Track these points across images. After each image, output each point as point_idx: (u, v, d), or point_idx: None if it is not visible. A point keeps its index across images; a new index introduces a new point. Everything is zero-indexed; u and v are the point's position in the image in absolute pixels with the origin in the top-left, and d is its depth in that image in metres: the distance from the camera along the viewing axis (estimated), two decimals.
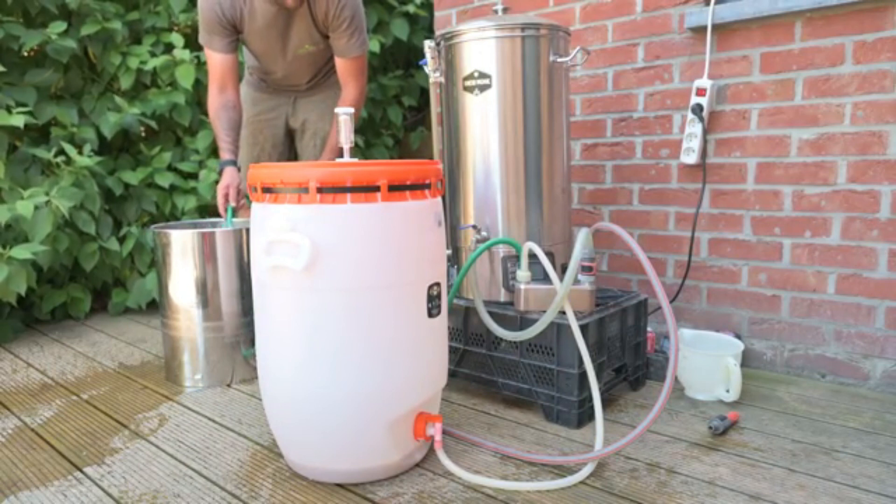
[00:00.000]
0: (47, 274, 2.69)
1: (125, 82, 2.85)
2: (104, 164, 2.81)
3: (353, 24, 2.15)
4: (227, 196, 2.19)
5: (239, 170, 2.25)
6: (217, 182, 2.91)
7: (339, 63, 2.25)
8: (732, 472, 1.44)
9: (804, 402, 1.85)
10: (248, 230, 1.97)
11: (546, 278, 1.60)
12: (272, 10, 2.11)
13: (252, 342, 2.01)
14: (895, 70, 1.83)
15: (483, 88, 1.80)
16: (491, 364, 1.84)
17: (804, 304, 2.04)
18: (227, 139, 2.24)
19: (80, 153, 2.60)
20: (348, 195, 1.28)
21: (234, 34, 2.22)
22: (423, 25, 3.54)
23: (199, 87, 2.92)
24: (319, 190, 1.27)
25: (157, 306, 2.31)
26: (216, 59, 2.23)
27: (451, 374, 1.91)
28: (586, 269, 1.58)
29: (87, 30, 2.72)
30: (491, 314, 1.74)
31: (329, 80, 2.41)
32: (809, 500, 1.33)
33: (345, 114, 1.42)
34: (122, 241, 2.80)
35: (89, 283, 2.86)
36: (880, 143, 1.87)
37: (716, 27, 2.08)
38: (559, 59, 1.81)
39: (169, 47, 2.96)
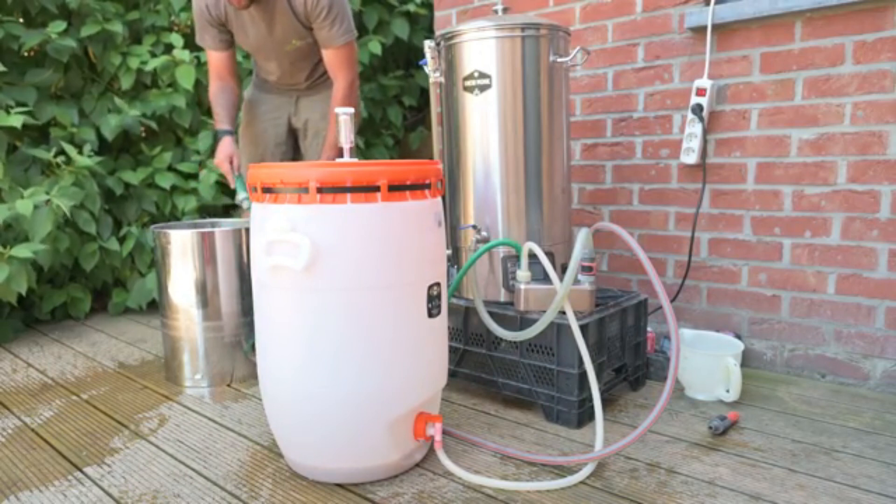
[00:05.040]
0: (47, 274, 2.69)
1: (125, 82, 2.85)
2: (104, 164, 2.81)
3: (332, 12, 2.14)
4: (232, 164, 2.26)
5: (236, 141, 2.33)
6: (221, 181, 2.93)
7: (325, 55, 2.25)
8: (732, 472, 1.44)
9: (804, 402, 1.85)
10: (248, 230, 1.98)
11: (546, 278, 1.60)
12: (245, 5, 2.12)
13: (251, 339, 2.02)
14: (895, 70, 1.83)
15: (483, 88, 1.80)
16: (491, 364, 1.84)
17: (804, 304, 2.04)
18: (225, 113, 2.33)
19: (80, 153, 2.60)
20: (348, 195, 1.28)
21: (226, 32, 2.28)
22: (423, 25, 3.54)
23: (200, 87, 2.92)
24: (319, 190, 1.27)
25: (157, 306, 2.31)
26: (212, 56, 2.34)
27: (451, 374, 1.91)
28: (586, 269, 1.58)
29: (87, 30, 2.72)
30: (491, 314, 1.74)
31: (328, 81, 2.40)
32: (809, 500, 1.33)
33: (345, 114, 1.42)
34: (122, 241, 2.80)
35: (89, 283, 2.86)
36: (880, 143, 1.87)
37: (716, 27, 2.08)
38: (559, 59, 1.81)
39: (169, 47, 2.96)
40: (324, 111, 2.41)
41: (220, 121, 2.32)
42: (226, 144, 2.28)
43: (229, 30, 2.27)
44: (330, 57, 2.25)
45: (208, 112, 2.80)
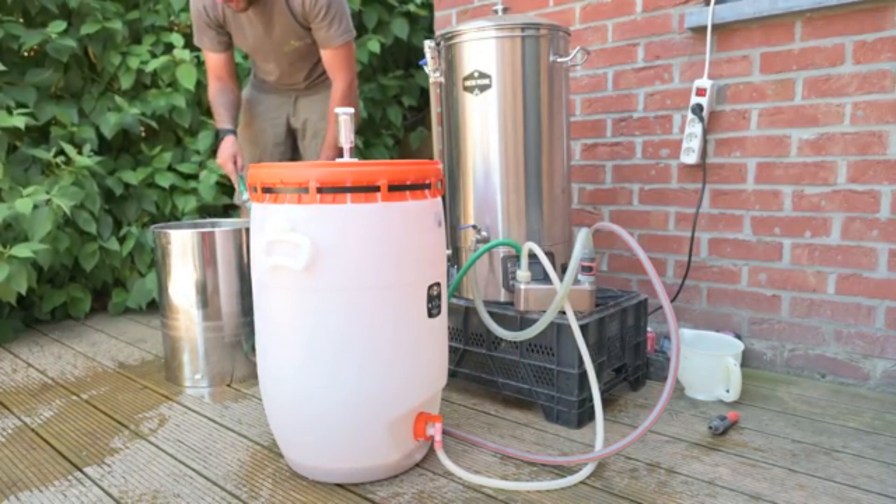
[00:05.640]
0: (47, 274, 2.69)
1: (125, 82, 2.85)
2: (104, 164, 2.81)
3: (330, 12, 2.13)
4: (235, 163, 2.26)
5: (237, 141, 2.33)
6: (221, 181, 2.93)
7: (324, 55, 2.25)
8: (732, 472, 1.44)
9: (804, 402, 1.85)
10: (248, 230, 1.98)
11: (546, 278, 1.60)
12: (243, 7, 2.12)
13: (252, 340, 2.02)
14: (895, 70, 1.83)
15: (483, 88, 1.80)
16: (491, 364, 1.84)
17: (804, 304, 2.04)
18: (226, 113, 2.33)
19: (80, 153, 2.60)
20: (348, 195, 1.28)
21: (224, 34, 2.28)
22: (423, 25, 3.54)
23: (200, 87, 2.92)
24: (319, 190, 1.27)
25: (157, 306, 2.31)
26: (210, 58, 2.34)
27: (451, 374, 1.91)
28: (586, 269, 1.58)
29: (87, 29, 2.72)
30: (491, 314, 1.74)
31: (327, 81, 2.41)
32: (809, 500, 1.33)
33: (345, 114, 1.42)
34: (122, 241, 2.80)
35: (89, 283, 2.86)
36: (880, 143, 1.87)
37: (716, 27, 2.08)
38: (559, 59, 1.81)
39: (169, 47, 2.96)
40: (322, 111, 2.41)
41: (222, 120, 2.32)
42: (228, 143, 2.27)
43: (227, 31, 2.27)
44: (328, 57, 2.25)
45: (208, 112, 2.80)
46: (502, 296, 1.85)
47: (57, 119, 2.71)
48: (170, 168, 2.95)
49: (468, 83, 1.82)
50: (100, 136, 2.81)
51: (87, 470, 1.51)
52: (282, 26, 2.19)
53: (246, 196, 2.24)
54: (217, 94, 2.34)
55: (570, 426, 1.68)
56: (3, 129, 2.49)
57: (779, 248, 2.07)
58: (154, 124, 2.90)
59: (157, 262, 2.06)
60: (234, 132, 2.31)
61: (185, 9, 2.95)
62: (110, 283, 2.89)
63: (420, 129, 3.77)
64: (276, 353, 1.39)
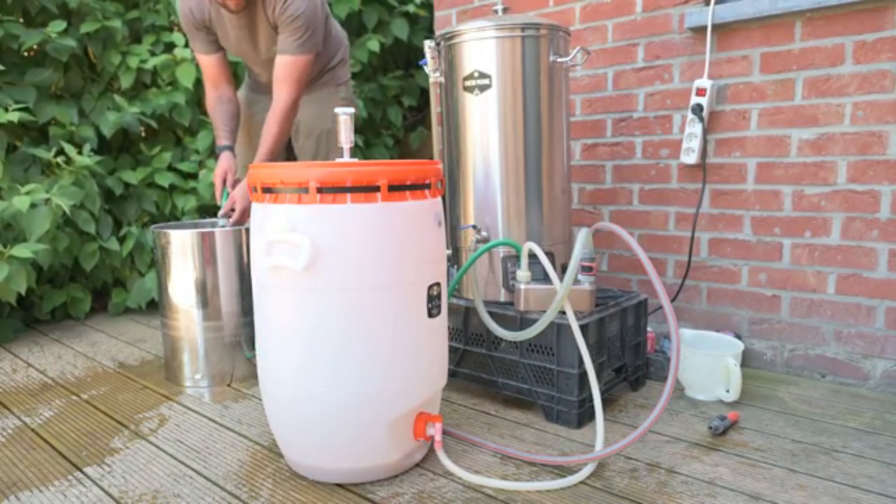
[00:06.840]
0: (47, 274, 2.69)
1: (125, 82, 2.84)
2: (104, 164, 2.81)
3: (296, 22, 2.07)
4: (224, 181, 2.23)
5: (234, 157, 2.31)
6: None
7: (277, 62, 2.15)
8: (732, 472, 1.44)
9: (804, 402, 1.85)
10: (248, 230, 1.98)
11: (546, 278, 1.60)
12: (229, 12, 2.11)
13: (253, 343, 2.02)
14: (895, 70, 1.83)
15: (483, 88, 1.80)
16: (491, 364, 1.84)
17: (804, 304, 2.04)
18: (224, 127, 2.30)
19: (80, 153, 2.60)
20: (348, 195, 1.28)
21: (213, 34, 2.26)
22: (423, 25, 3.54)
23: (200, 86, 2.92)
24: (319, 190, 1.27)
25: (157, 306, 2.31)
26: (204, 61, 2.31)
27: (451, 374, 1.91)
28: (586, 269, 1.58)
29: (87, 27, 2.72)
30: (491, 314, 1.74)
31: (320, 81, 2.40)
32: (809, 500, 1.33)
33: (345, 114, 1.42)
34: (122, 240, 2.80)
35: (89, 282, 2.85)
36: (880, 143, 1.87)
37: (716, 27, 2.08)
38: (559, 59, 1.81)
39: (169, 46, 2.96)
40: (316, 112, 2.40)
41: (219, 136, 2.31)
42: (222, 161, 2.25)
43: (215, 32, 2.26)
44: (280, 64, 2.13)
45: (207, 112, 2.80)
46: (502, 296, 1.85)
47: (57, 119, 2.71)
48: (169, 167, 2.95)
49: (468, 83, 1.82)
50: (99, 135, 2.81)
51: (87, 470, 1.51)
52: (264, 33, 2.17)
53: (222, 213, 2.22)
54: (214, 106, 2.31)
55: (570, 426, 1.68)
56: (2, 128, 2.49)
57: (779, 248, 2.07)
58: (154, 124, 2.90)
59: (157, 262, 2.06)
60: (230, 148, 2.28)
61: None
62: (110, 283, 2.89)
63: (420, 129, 3.77)
64: (276, 353, 1.39)
